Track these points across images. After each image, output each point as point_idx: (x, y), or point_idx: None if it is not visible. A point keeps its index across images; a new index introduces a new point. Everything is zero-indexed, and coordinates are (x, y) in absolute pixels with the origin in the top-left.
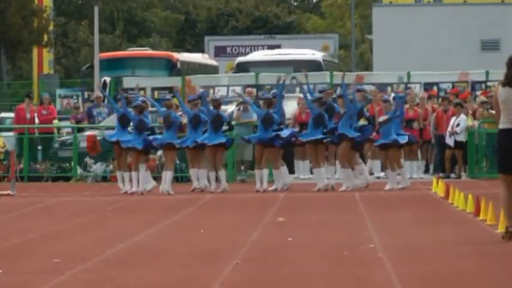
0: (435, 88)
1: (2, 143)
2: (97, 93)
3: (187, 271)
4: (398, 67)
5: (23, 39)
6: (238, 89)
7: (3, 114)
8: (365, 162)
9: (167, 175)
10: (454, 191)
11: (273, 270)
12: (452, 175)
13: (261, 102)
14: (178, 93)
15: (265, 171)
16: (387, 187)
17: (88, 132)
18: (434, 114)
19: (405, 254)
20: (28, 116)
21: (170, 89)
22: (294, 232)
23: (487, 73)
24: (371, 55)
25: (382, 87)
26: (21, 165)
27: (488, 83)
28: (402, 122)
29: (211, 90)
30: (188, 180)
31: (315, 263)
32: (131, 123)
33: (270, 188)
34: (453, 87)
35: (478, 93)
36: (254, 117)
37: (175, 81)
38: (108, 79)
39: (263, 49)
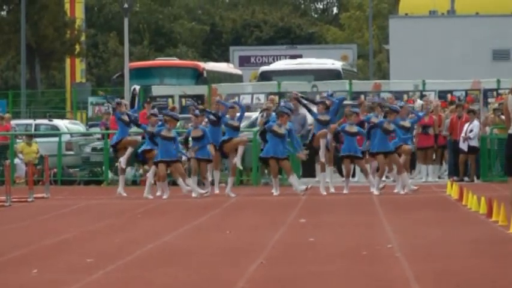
0: (449, 95)
1: (36, 148)
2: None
3: (213, 270)
4: (414, 76)
5: (56, 49)
6: (262, 97)
7: (38, 121)
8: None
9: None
10: (467, 193)
11: (295, 268)
12: (466, 178)
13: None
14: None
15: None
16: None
17: None
18: (448, 120)
19: (421, 253)
20: None
21: (197, 97)
22: (315, 233)
23: (498, 81)
24: (388, 64)
25: (398, 95)
26: (55, 170)
27: (500, 91)
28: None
29: (236, 98)
30: (212, 183)
31: (335, 262)
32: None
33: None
34: (466, 95)
35: (490, 100)
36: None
37: (201, 90)
38: (137, 87)
39: (285, 59)
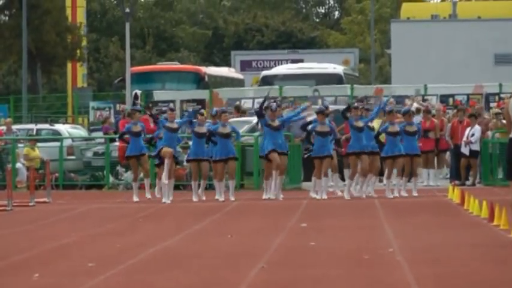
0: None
1: (38, 153)
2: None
3: (214, 274)
4: (415, 80)
5: (57, 54)
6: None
7: (39, 126)
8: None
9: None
10: (469, 197)
11: (297, 272)
12: (468, 182)
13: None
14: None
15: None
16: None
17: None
18: (450, 124)
19: (422, 257)
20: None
21: (198, 102)
22: (316, 237)
23: (501, 86)
24: (390, 68)
25: (400, 99)
26: (57, 174)
27: (502, 95)
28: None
29: (237, 103)
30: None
31: (336, 266)
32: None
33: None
34: (468, 99)
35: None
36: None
37: (203, 94)
38: (139, 92)
39: (287, 63)
